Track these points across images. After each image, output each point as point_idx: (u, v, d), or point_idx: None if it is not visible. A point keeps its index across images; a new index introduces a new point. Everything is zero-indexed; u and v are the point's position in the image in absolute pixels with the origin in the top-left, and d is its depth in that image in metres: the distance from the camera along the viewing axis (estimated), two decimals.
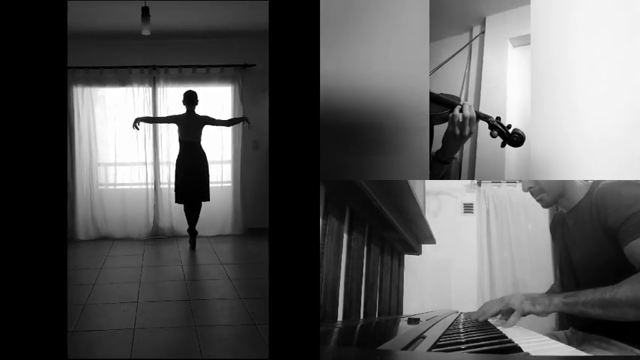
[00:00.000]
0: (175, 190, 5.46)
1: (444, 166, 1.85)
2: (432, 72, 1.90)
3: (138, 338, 3.00)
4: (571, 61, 1.75)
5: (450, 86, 2.04)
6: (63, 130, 1.87)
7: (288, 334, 1.76)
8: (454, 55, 2.01)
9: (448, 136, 1.80)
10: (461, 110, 1.76)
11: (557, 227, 2.05)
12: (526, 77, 1.81)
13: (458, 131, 1.76)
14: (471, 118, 1.75)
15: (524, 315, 1.75)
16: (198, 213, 5.51)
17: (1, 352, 1.79)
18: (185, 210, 5.50)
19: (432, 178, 1.83)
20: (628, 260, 1.67)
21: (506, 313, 1.81)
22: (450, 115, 1.77)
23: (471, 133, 1.78)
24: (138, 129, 5.41)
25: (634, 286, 1.57)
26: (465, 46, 2.03)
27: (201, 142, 5.40)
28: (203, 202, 5.49)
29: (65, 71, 1.87)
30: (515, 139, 1.77)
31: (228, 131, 6.19)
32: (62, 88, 1.85)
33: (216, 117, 5.57)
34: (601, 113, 1.74)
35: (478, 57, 2.10)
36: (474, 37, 2.07)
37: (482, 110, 1.83)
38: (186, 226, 5.55)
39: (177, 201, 5.49)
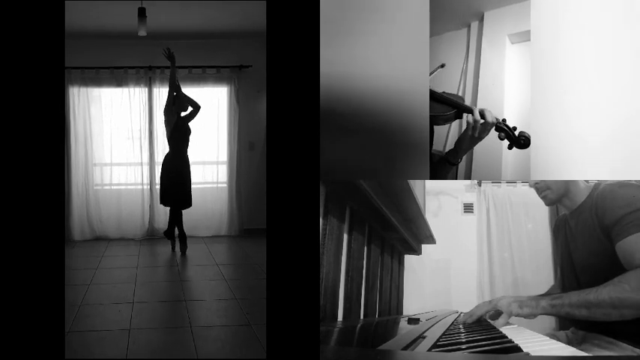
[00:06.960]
0: (160, 192, 5.32)
1: (452, 167, 1.87)
2: None
3: (133, 339, 2.99)
4: (571, 59, 1.75)
5: (448, 83, 2.04)
6: (61, 130, 1.87)
7: (288, 334, 1.76)
8: None
9: (464, 138, 1.81)
10: (482, 115, 1.77)
11: (560, 228, 2.06)
12: (524, 74, 1.81)
13: (477, 135, 1.77)
14: (491, 123, 1.77)
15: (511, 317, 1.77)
16: (180, 218, 5.30)
17: (0, 352, 1.78)
18: (170, 213, 5.33)
19: (439, 178, 1.85)
20: None
21: (495, 315, 1.82)
22: (470, 120, 1.77)
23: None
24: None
25: (616, 287, 1.61)
26: None
27: (187, 149, 5.17)
28: (193, 205, 5.30)
29: (63, 71, 1.87)
30: (522, 141, 1.77)
31: (223, 132, 6.18)
32: (60, 88, 1.84)
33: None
34: (601, 111, 1.74)
35: (476, 53, 2.09)
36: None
37: (480, 106, 1.83)
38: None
39: (160, 202, 5.35)
